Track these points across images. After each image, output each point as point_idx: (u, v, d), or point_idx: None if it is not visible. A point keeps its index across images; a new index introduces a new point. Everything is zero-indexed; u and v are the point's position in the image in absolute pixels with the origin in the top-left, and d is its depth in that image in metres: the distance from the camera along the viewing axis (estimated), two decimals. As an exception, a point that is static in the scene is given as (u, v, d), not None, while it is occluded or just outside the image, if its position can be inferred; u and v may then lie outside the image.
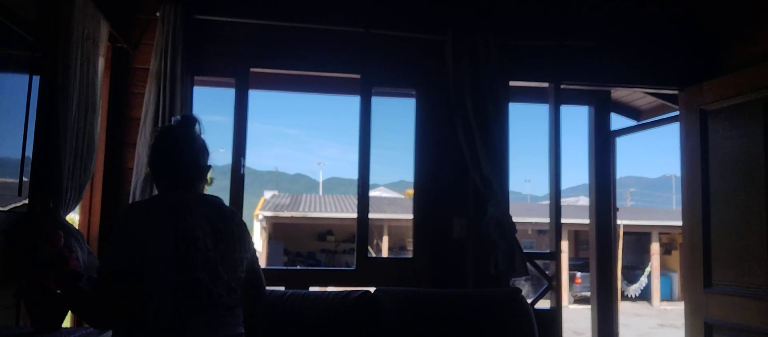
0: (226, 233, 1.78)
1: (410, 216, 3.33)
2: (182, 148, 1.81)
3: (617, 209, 4.18)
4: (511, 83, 3.36)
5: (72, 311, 1.87)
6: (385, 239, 16.63)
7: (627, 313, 14.02)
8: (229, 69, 3.10)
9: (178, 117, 1.88)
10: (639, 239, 18.70)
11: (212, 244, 1.72)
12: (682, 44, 3.57)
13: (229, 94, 3.13)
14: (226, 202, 1.95)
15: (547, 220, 3.62)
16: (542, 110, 3.59)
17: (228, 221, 1.81)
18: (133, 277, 1.61)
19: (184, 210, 1.70)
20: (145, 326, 1.63)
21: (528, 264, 3.12)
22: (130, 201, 2.73)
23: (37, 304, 1.94)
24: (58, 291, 1.80)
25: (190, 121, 1.85)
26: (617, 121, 4.45)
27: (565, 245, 16.89)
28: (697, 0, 3.58)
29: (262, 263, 12.12)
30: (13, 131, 2.07)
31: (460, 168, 3.18)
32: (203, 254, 1.68)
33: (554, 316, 3.22)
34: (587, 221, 4.23)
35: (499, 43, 3.21)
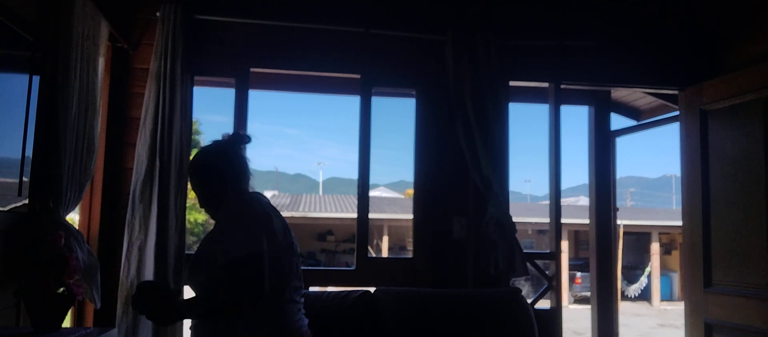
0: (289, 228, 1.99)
1: (410, 216, 3.33)
2: (243, 156, 2.06)
3: (617, 209, 4.18)
4: (511, 83, 3.36)
5: (193, 318, 1.85)
6: (385, 239, 16.63)
7: (627, 313, 14.02)
8: (229, 69, 3.10)
9: (229, 133, 2.06)
10: (639, 239, 18.69)
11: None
12: (682, 44, 3.57)
13: (229, 94, 3.13)
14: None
15: (547, 220, 3.62)
16: (542, 110, 3.58)
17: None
18: (269, 260, 1.76)
19: (272, 206, 1.94)
20: (266, 306, 1.78)
21: (528, 264, 3.12)
22: (130, 201, 2.72)
23: (37, 304, 1.94)
24: (168, 313, 1.77)
25: (244, 139, 2.07)
26: (617, 121, 4.43)
27: (565, 245, 16.89)
28: (697, 0, 3.58)
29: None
30: (13, 131, 2.07)
31: (460, 168, 3.18)
32: (294, 242, 1.94)
33: (554, 316, 3.22)
34: (587, 221, 4.23)
35: (499, 43, 3.22)
